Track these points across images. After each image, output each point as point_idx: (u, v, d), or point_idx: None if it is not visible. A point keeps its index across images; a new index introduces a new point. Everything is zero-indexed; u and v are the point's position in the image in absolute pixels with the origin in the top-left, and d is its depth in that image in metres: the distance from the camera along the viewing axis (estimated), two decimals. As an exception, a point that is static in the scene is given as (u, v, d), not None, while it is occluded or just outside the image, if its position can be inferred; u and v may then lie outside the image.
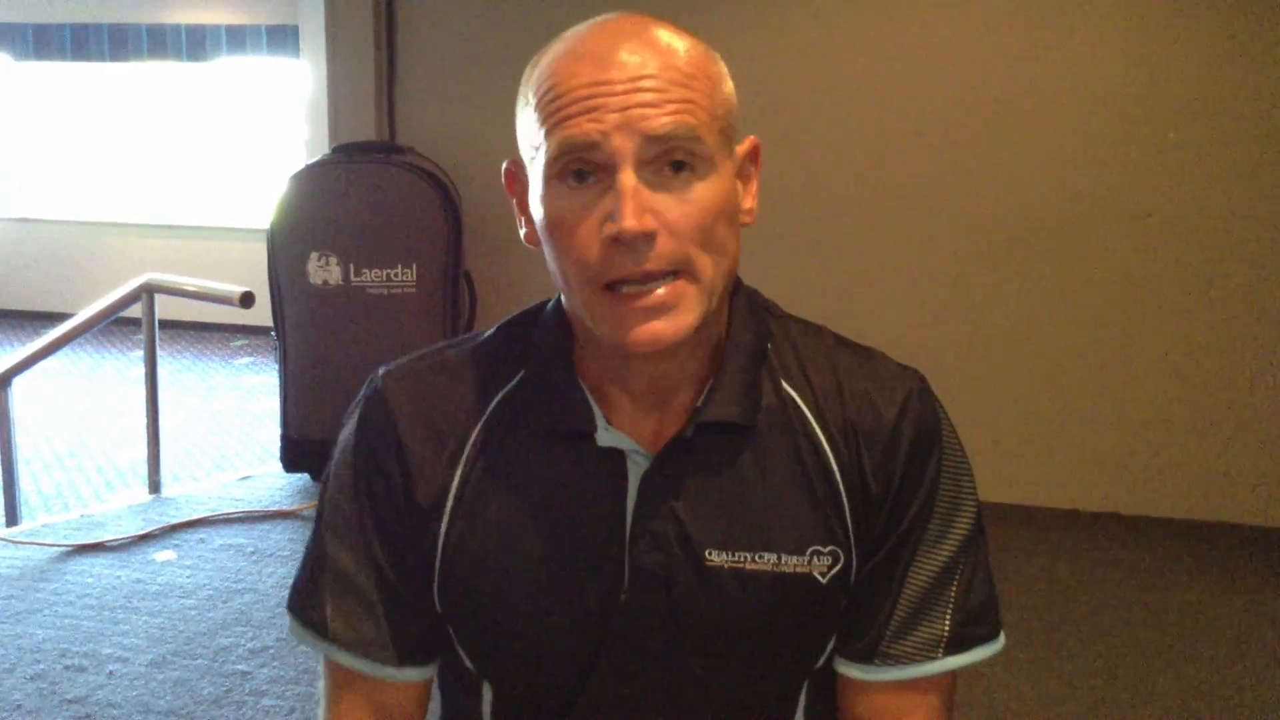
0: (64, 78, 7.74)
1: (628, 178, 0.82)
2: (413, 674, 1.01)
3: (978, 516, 1.00)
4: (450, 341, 1.04)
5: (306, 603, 1.01)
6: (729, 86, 0.90)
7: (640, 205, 0.82)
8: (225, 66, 7.33)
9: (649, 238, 0.83)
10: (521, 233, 0.95)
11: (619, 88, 0.83)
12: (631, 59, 0.84)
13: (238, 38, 7.16)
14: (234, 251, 7.08)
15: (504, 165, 0.95)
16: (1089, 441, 3.80)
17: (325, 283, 3.79)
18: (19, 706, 2.48)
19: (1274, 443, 3.66)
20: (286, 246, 3.84)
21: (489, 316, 4.03)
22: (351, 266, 3.77)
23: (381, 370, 1.01)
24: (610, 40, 0.85)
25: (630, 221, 0.81)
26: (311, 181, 3.86)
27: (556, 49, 0.88)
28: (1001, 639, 1.00)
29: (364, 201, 3.79)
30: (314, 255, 3.79)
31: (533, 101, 0.87)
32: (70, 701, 2.50)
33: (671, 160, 0.84)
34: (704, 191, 0.85)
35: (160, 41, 7.27)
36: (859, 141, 3.84)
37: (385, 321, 3.80)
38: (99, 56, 7.41)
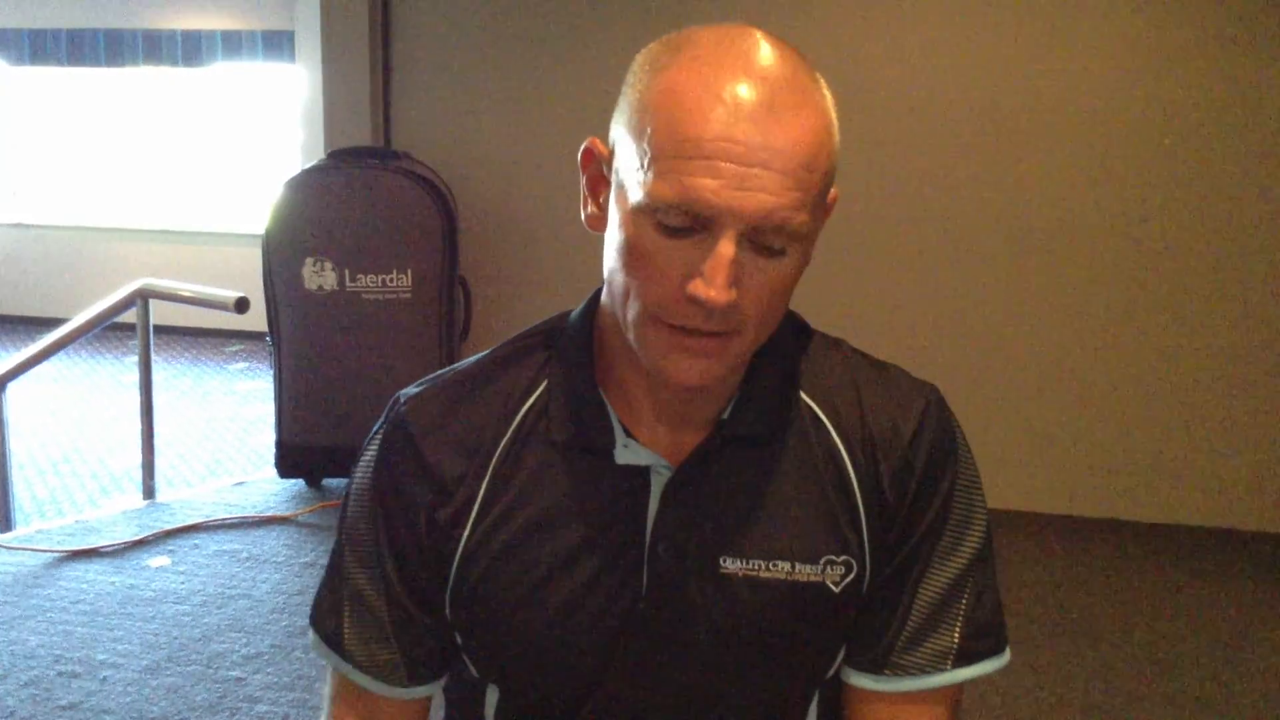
0: (60, 83, 7.74)
1: (727, 248, 0.80)
2: (421, 691, 1.04)
3: (988, 530, 1.01)
4: (464, 361, 1.05)
5: (328, 618, 1.04)
6: (837, 139, 0.86)
7: (731, 277, 0.81)
8: (221, 72, 7.33)
9: (730, 306, 0.82)
10: (584, 214, 0.93)
11: (745, 156, 0.79)
12: (767, 119, 0.79)
13: (233, 43, 7.16)
14: (229, 257, 7.08)
15: (584, 144, 0.92)
16: (1087, 447, 3.80)
17: (320, 288, 3.79)
18: (13, 713, 2.47)
19: (1272, 449, 3.66)
20: (282, 252, 3.84)
21: (485, 321, 4.03)
22: (347, 272, 3.77)
23: (401, 395, 1.02)
24: (746, 80, 0.80)
25: (721, 295, 0.80)
26: (307, 187, 3.86)
27: (688, 69, 0.82)
28: (1007, 653, 1.01)
29: (359, 207, 3.79)
30: (309, 260, 3.79)
31: (651, 120, 0.82)
32: (64, 708, 2.49)
33: (771, 240, 0.82)
34: (788, 266, 0.84)
35: (156, 47, 7.27)
36: (857, 149, 3.83)
37: (381, 327, 3.79)
38: (95, 62, 7.41)
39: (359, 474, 1.02)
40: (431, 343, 3.85)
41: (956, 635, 0.97)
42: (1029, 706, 2.57)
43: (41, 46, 7.47)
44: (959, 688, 0.99)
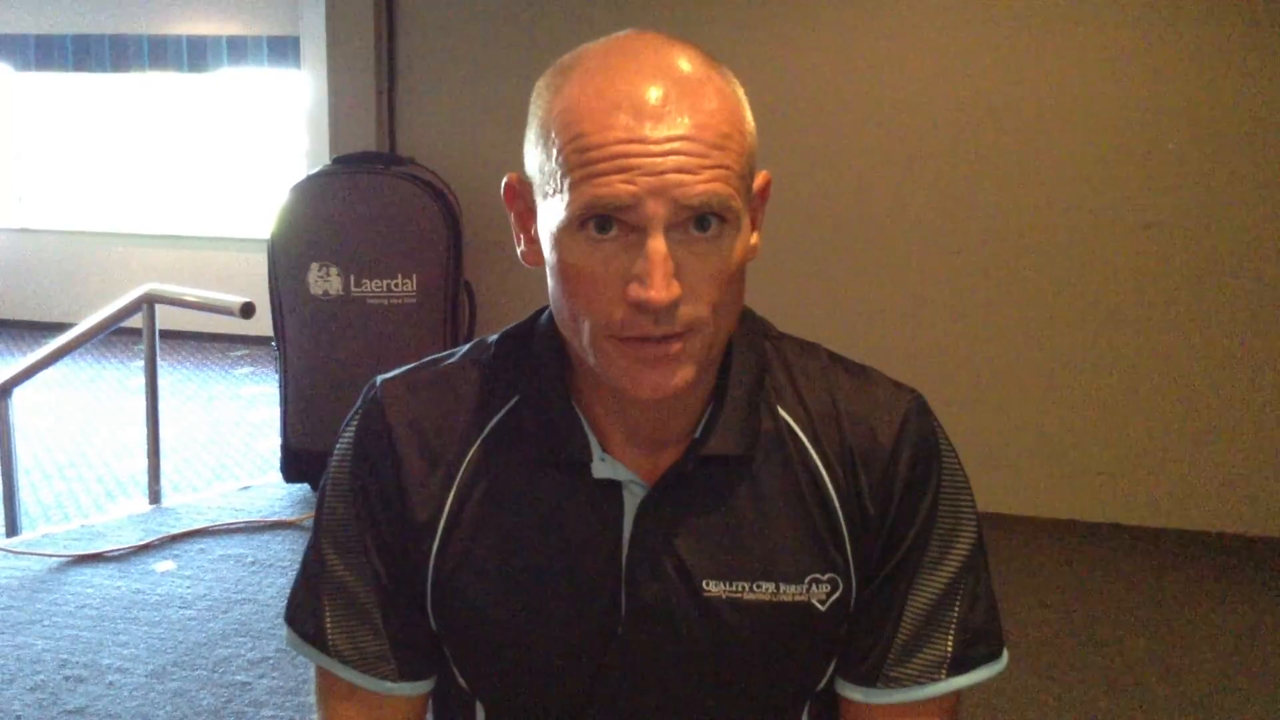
0: (66, 88, 7.76)
1: (658, 244, 0.80)
2: (411, 688, 1.00)
3: (979, 535, 0.99)
4: (449, 353, 1.03)
5: (305, 614, 1.00)
6: (751, 122, 0.86)
7: (668, 273, 0.80)
8: (226, 77, 7.35)
9: (673, 304, 0.81)
10: (519, 250, 0.92)
11: (654, 148, 0.79)
12: (668, 109, 0.80)
13: (239, 49, 7.17)
14: (235, 262, 7.09)
15: (505, 179, 0.92)
16: (1088, 452, 3.80)
17: (325, 293, 3.80)
18: (19, 717, 2.47)
19: (1272, 453, 3.66)
20: (287, 257, 3.85)
21: (489, 327, 4.02)
22: (352, 277, 3.78)
23: (380, 379, 1.00)
24: (644, 81, 0.81)
25: (660, 293, 0.79)
26: (312, 192, 3.87)
27: (580, 83, 0.82)
28: (1004, 658, 0.99)
29: (364, 212, 3.80)
30: (314, 265, 3.80)
31: (556, 140, 0.82)
32: (70, 712, 2.49)
33: (699, 221, 0.81)
34: (726, 251, 0.83)
35: (161, 52, 7.29)
36: (856, 152, 3.85)
37: (385, 332, 3.80)
38: (100, 67, 7.43)
39: (335, 460, 1.00)
40: (436, 348, 3.85)
41: (950, 644, 0.96)
42: (1033, 712, 2.57)
43: (47, 52, 7.49)
44: (955, 695, 0.98)
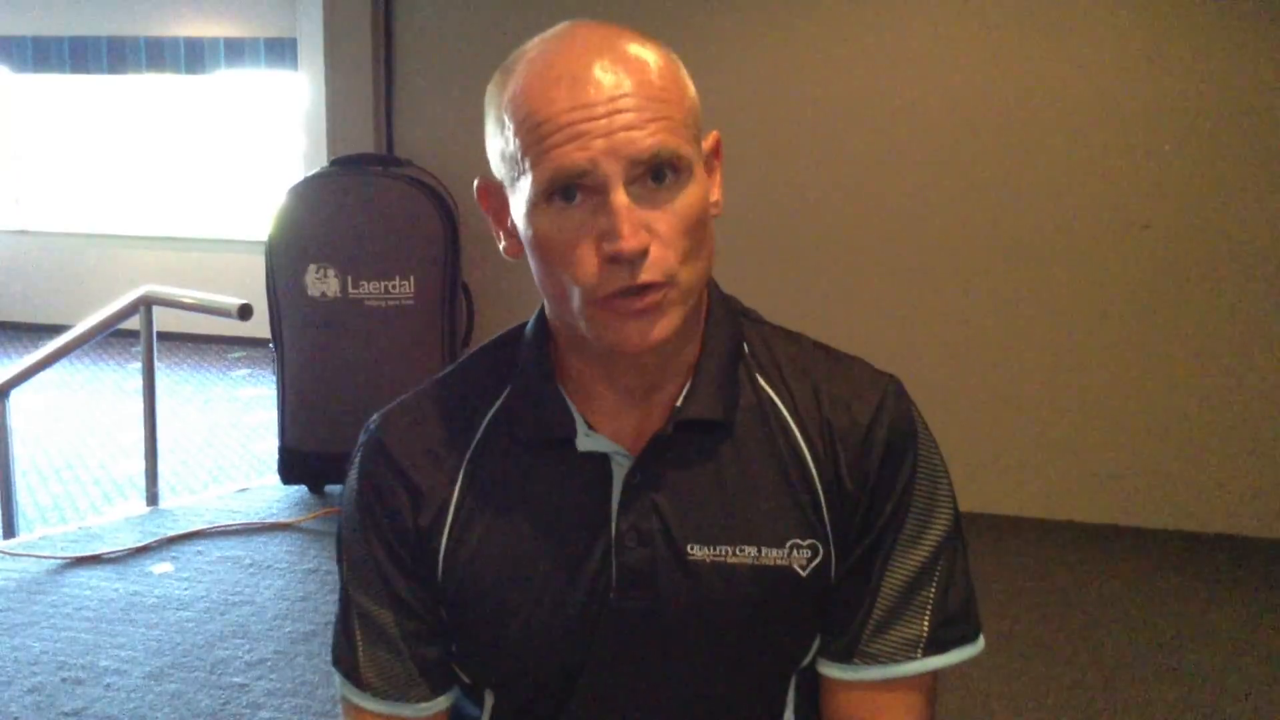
0: (63, 90, 7.76)
1: (620, 198, 0.85)
2: (443, 701, 1.05)
3: (956, 519, 1.01)
4: (435, 376, 1.08)
5: (343, 653, 1.05)
6: (693, 88, 0.93)
7: (635, 223, 0.85)
8: (224, 79, 7.35)
9: (645, 252, 0.86)
10: (500, 246, 0.98)
11: (600, 110, 0.85)
12: (606, 76, 0.85)
13: (236, 51, 7.18)
14: (232, 263, 7.09)
15: (475, 183, 0.98)
16: (1086, 453, 3.80)
17: (323, 295, 3.80)
18: (16, 719, 2.47)
19: (1270, 454, 3.66)
20: (285, 259, 3.85)
21: (487, 328, 4.04)
22: (349, 278, 3.78)
23: (374, 416, 1.06)
24: (581, 58, 0.86)
25: (630, 242, 0.84)
26: (310, 194, 3.87)
27: (525, 70, 0.89)
28: (980, 641, 1.02)
29: (362, 214, 3.80)
30: (312, 267, 3.80)
31: (510, 125, 0.89)
32: (67, 714, 2.49)
33: (655, 173, 0.87)
34: (685, 200, 0.88)
35: (159, 54, 7.29)
36: (852, 151, 3.85)
37: (383, 333, 3.80)
38: (98, 69, 7.43)
39: (346, 499, 1.05)
40: (434, 350, 3.85)
41: (926, 623, 0.98)
42: (1027, 713, 2.57)
43: (45, 54, 7.49)
44: (932, 676, 1.00)
